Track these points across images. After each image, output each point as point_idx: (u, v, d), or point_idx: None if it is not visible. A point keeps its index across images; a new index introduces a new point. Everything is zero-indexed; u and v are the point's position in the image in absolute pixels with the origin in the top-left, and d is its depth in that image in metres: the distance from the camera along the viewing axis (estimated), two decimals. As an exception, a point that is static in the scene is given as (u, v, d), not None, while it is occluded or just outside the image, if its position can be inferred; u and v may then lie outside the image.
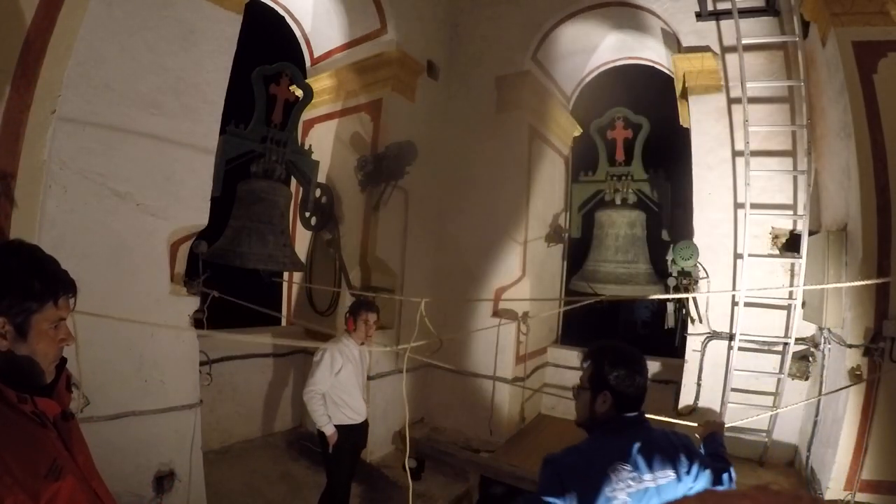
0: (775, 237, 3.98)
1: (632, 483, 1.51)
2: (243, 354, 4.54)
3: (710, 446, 1.94)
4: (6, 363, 1.07)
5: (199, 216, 3.19)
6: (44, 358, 1.11)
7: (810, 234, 3.73)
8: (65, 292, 1.14)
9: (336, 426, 3.27)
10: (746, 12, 3.98)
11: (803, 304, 3.76)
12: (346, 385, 3.32)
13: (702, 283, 4.13)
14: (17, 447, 1.00)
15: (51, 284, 1.11)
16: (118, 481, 2.63)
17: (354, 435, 3.38)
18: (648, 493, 1.52)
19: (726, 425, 2.12)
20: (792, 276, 3.88)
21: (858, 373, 3.06)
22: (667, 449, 1.60)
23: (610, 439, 1.59)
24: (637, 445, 1.56)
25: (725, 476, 1.72)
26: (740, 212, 4.02)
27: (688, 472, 1.59)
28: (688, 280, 4.04)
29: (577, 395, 1.74)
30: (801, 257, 3.71)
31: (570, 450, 1.63)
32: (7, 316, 1.05)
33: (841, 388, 3.08)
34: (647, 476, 1.53)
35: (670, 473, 1.56)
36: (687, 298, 4.11)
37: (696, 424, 2.25)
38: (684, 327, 4.22)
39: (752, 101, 3.92)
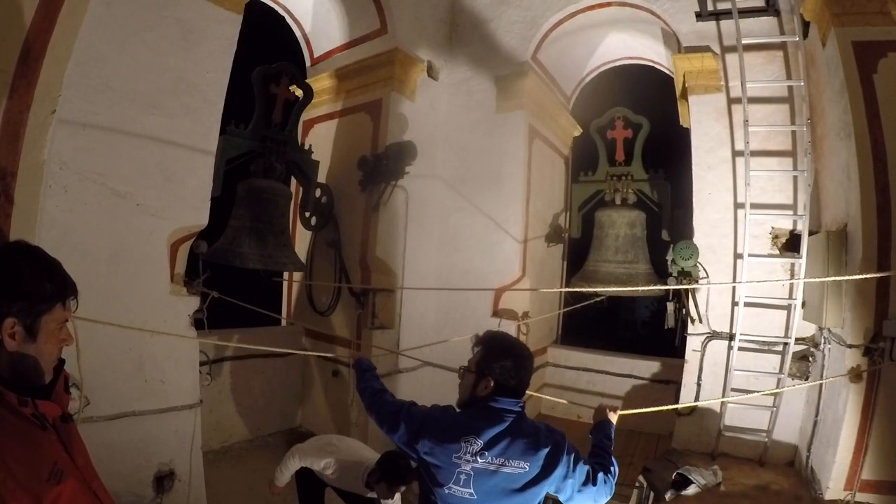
0: (775, 237, 3.98)
1: (479, 459, 1.61)
2: (243, 354, 4.54)
3: (596, 436, 1.96)
4: (9, 364, 1.07)
5: (199, 216, 3.19)
6: (48, 358, 1.13)
7: (810, 234, 3.73)
8: (71, 294, 1.17)
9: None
10: (746, 12, 3.98)
11: (803, 304, 3.76)
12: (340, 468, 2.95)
13: (702, 283, 4.13)
14: (19, 451, 1.00)
15: (60, 286, 1.14)
16: (118, 481, 2.63)
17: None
18: (494, 475, 1.61)
19: (622, 412, 2.08)
20: (792, 276, 3.88)
21: (858, 373, 3.06)
22: (530, 443, 1.65)
23: (478, 417, 1.69)
24: (498, 430, 1.64)
25: (600, 475, 1.74)
26: (740, 212, 4.02)
27: (548, 469, 1.64)
28: (688, 280, 4.04)
29: (462, 376, 1.82)
30: (801, 257, 3.71)
31: (444, 408, 1.80)
32: (17, 317, 1.06)
33: (840, 375, 3.08)
34: (496, 460, 1.61)
35: (523, 465, 1.62)
36: (687, 298, 4.12)
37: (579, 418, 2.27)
38: (684, 327, 4.22)
39: (752, 101, 3.92)
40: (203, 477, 3.17)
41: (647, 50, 5.65)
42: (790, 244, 3.91)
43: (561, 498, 1.72)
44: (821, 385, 3.52)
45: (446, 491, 1.63)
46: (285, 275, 5.50)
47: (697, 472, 3.33)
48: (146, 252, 2.92)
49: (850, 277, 2.93)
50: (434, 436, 1.68)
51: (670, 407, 2.43)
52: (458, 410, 1.79)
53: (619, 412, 2.06)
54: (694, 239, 4.18)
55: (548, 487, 1.67)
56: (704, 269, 4.13)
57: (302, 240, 5.29)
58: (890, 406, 3.00)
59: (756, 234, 3.96)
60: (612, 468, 1.81)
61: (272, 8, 5.40)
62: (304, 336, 5.21)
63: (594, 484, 1.72)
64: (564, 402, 2.20)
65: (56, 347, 1.15)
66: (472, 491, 1.60)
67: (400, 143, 4.66)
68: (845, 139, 3.32)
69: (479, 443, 1.62)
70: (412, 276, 5.10)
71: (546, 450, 1.65)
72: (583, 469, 1.71)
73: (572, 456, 1.70)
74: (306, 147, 4.79)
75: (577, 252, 5.88)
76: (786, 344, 3.81)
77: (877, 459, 3.02)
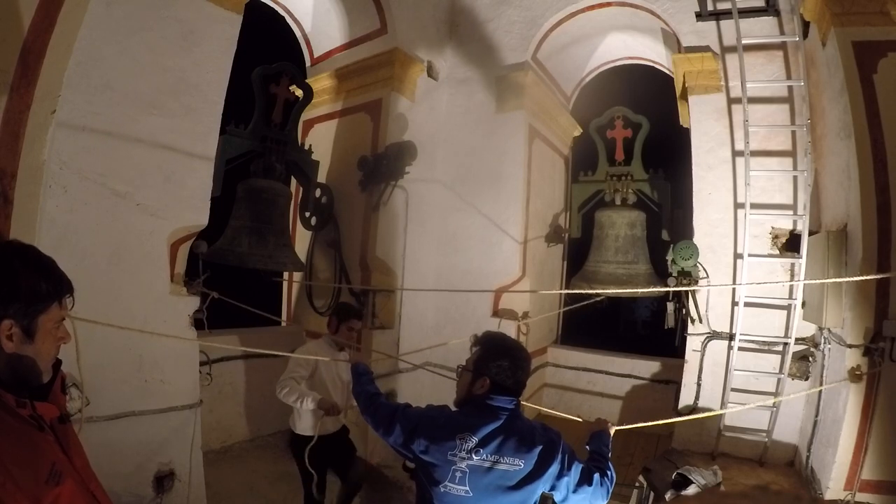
0: (775, 237, 3.98)
1: (473, 456, 1.62)
2: (243, 354, 4.54)
3: (593, 443, 1.98)
4: (7, 366, 1.06)
5: (199, 216, 3.18)
6: (46, 357, 1.12)
7: (810, 234, 3.73)
8: (67, 292, 1.15)
9: (305, 436, 3.12)
10: (746, 12, 3.98)
11: (803, 304, 3.76)
12: (320, 390, 3.09)
13: (702, 284, 4.13)
14: (17, 453, 0.99)
15: (56, 285, 1.12)
16: (118, 481, 2.63)
17: (326, 446, 3.15)
18: (489, 472, 1.62)
19: (618, 427, 2.14)
20: (792, 275, 3.88)
21: (858, 373, 3.06)
22: (525, 440, 1.66)
23: (472, 415, 1.70)
24: (493, 427, 1.66)
25: (596, 476, 1.75)
26: (740, 212, 4.02)
27: (542, 467, 1.65)
28: (688, 280, 4.04)
29: (459, 374, 1.84)
30: (801, 257, 3.71)
31: (439, 407, 1.82)
32: (14, 318, 1.05)
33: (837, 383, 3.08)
34: (491, 457, 1.62)
35: (518, 463, 1.63)
36: (687, 298, 4.12)
37: (580, 420, 2.32)
38: (684, 327, 4.22)
39: (752, 101, 3.92)
40: (203, 477, 3.16)
41: (647, 50, 5.65)
42: (790, 244, 3.91)
43: (556, 498, 1.73)
44: (820, 384, 3.52)
45: (442, 489, 1.63)
46: (285, 275, 5.49)
47: (697, 472, 3.33)
48: (146, 252, 2.92)
49: (851, 279, 2.93)
50: (429, 433, 1.68)
51: (667, 421, 2.48)
52: (453, 409, 1.80)
53: (615, 427, 2.10)
54: (694, 239, 4.18)
55: (543, 485, 1.67)
56: (704, 269, 4.13)
57: (302, 240, 5.29)
58: (890, 406, 3.00)
59: (756, 234, 3.96)
60: (608, 472, 1.81)
61: (272, 8, 5.40)
62: (305, 336, 5.21)
63: (590, 484, 1.72)
64: (557, 414, 2.24)
65: (54, 346, 1.14)
66: (467, 488, 1.61)
67: (400, 144, 4.66)
68: (845, 139, 3.32)
69: (474, 440, 1.63)
70: (412, 276, 5.10)
71: (540, 447, 1.66)
72: (578, 468, 1.72)
73: (567, 455, 1.71)
74: (306, 147, 4.79)
75: (577, 252, 5.88)
76: (786, 344, 3.81)
77: (877, 459, 3.02)
